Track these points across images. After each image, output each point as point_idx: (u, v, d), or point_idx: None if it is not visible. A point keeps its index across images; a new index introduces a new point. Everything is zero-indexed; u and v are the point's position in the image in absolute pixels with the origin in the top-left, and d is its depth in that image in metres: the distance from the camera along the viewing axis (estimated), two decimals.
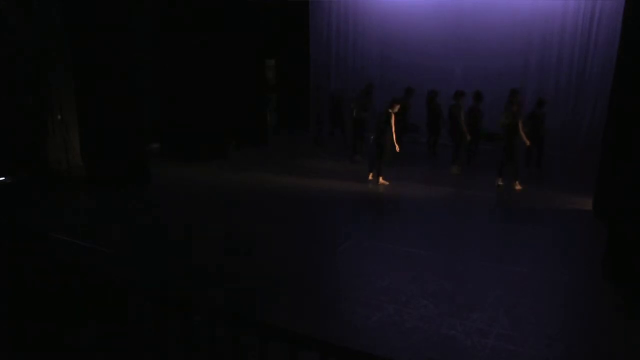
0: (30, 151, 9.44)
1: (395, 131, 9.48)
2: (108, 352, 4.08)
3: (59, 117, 9.50)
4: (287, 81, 15.18)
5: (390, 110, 9.46)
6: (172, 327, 3.77)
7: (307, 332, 3.24)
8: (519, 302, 5.45)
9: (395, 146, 9.51)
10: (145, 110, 10.08)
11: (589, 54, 11.84)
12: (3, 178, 9.20)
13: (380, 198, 9.34)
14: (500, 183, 9.54)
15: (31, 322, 4.45)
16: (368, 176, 9.98)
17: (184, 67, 11.52)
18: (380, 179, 9.69)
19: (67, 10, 9.09)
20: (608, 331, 4.99)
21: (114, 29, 9.00)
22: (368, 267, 6.47)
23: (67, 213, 8.29)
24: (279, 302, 5.42)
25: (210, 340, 3.58)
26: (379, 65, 14.48)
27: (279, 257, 6.65)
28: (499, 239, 7.80)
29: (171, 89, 11.69)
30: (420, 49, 13.54)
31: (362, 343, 4.52)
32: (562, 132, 12.00)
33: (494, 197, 9.29)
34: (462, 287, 5.83)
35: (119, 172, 9.27)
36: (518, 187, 9.34)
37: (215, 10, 11.73)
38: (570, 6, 11.93)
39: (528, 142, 9.53)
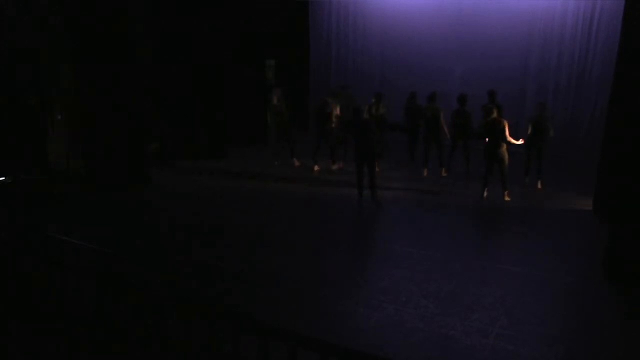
0: (30, 151, 9.43)
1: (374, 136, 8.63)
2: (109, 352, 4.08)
3: (59, 117, 9.49)
4: (287, 81, 15.16)
5: (366, 116, 8.51)
6: (172, 326, 3.78)
7: (307, 332, 3.24)
8: (519, 302, 5.45)
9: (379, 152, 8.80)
10: (145, 110, 10.08)
11: (589, 54, 11.82)
12: (3, 178, 9.19)
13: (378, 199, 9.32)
14: (486, 194, 8.95)
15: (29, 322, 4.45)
16: (359, 195, 8.87)
17: (184, 67, 11.52)
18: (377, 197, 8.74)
19: (67, 10, 9.08)
20: (608, 331, 4.99)
21: (115, 29, 9.00)
22: (368, 267, 6.48)
23: (68, 213, 8.28)
24: (279, 302, 5.42)
25: (210, 340, 3.58)
26: (379, 66, 14.47)
27: (279, 257, 6.65)
28: (498, 239, 7.80)
29: (171, 88, 11.69)
30: (421, 49, 13.53)
31: (362, 343, 4.52)
32: (562, 132, 11.99)
33: (492, 198, 9.27)
34: (462, 287, 5.83)
35: (119, 172, 9.27)
36: (507, 197, 8.83)
37: (216, 10, 11.73)
38: (570, 6, 11.92)
39: (518, 142, 8.84)
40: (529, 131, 9.26)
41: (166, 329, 3.80)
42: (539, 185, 9.54)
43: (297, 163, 11.29)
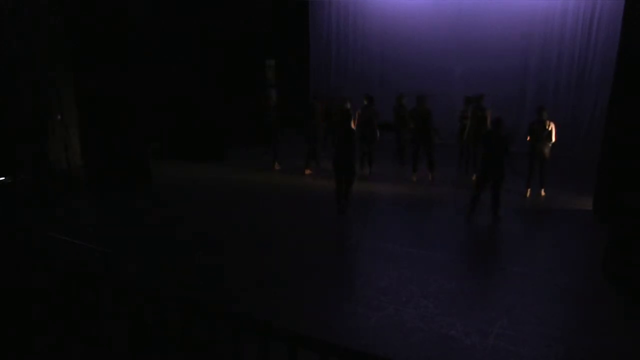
0: (30, 151, 9.43)
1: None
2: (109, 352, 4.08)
3: (59, 117, 9.49)
4: (287, 81, 15.20)
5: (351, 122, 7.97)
6: (172, 326, 3.77)
7: (307, 332, 3.24)
8: (519, 302, 5.44)
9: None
10: (145, 109, 10.09)
11: (589, 54, 11.85)
12: (3, 178, 9.19)
13: (377, 198, 9.33)
14: (470, 218, 8.02)
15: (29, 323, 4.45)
16: (339, 208, 8.28)
17: (184, 67, 11.53)
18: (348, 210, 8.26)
19: (67, 9, 9.08)
20: (608, 332, 4.98)
21: (115, 29, 9.01)
22: (368, 267, 6.47)
23: (68, 213, 8.28)
24: (279, 302, 5.42)
25: (210, 340, 3.58)
26: (379, 66, 14.49)
27: (279, 257, 6.65)
28: (498, 239, 7.79)
29: (171, 88, 11.70)
30: (421, 49, 13.56)
31: (362, 343, 4.52)
32: (562, 132, 12.00)
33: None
34: (462, 287, 5.83)
35: (119, 171, 9.27)
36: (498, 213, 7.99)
37: (216, 10, 11.74)
38: (570, 6, 11.94)
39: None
40: (529, 138, 8.99)
41: (166, 329, 3.80)
42: (542, 193, 9.22)
43: (277, 166, 11.17)
